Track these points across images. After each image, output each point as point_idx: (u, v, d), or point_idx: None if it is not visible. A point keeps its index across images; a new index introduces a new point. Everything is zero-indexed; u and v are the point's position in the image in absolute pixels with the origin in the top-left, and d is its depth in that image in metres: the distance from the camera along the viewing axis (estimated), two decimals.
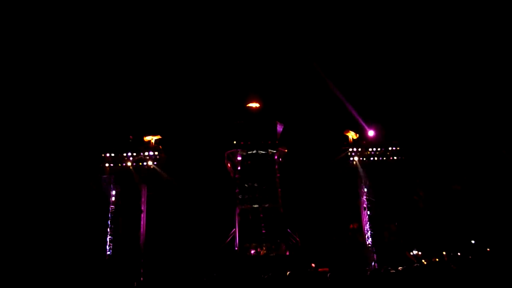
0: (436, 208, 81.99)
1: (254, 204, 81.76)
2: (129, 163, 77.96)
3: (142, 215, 77.87)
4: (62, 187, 75.74)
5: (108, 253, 74.55)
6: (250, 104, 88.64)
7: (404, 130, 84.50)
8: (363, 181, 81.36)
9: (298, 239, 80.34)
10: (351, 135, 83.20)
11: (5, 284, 60.43)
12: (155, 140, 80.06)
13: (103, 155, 77.41)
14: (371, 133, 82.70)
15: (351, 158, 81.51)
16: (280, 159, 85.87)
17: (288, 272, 67.05)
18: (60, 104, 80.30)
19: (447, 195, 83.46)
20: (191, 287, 58.70)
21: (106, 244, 74.65)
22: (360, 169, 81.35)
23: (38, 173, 74.42)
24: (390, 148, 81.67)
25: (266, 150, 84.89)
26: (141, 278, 73.60)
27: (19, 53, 79.83)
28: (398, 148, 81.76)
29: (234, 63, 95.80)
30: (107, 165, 77.66)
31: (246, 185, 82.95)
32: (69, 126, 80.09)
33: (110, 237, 75.26)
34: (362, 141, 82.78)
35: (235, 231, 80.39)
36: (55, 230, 72.07)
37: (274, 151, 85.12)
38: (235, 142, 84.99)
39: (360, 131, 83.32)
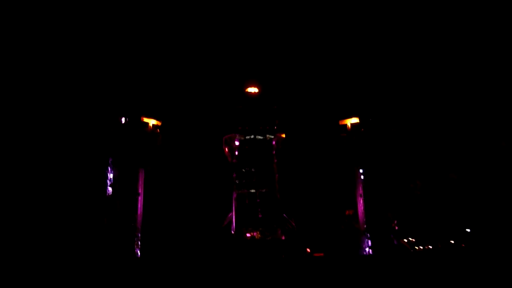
0: (432, 196, 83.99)
1: (251, 189, 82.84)
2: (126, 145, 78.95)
3: (139, 197, 79.08)
4: (59, 171, 77.49)
5: (105, 235, 75.41)
6: (249, 89, 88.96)
7: (402, 119, 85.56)
8: (360, 168, 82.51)
9: (294, 224, 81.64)
10: (349, 122, 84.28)
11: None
12: (153, 124, 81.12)
13: (101, 136, 78.50)
14: (368, 120, 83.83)
15: (349, 145, 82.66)
16: (278, 145, 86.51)
17: (283, 256, 69.20)
18: (58, 89, 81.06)
19: (444, 184, 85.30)
20: (187, 268, 61.68)
21: (103, 227, 75.69)
22: (358, 157, 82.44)
23: (33, 155, 76.16)
24: (388, 136, 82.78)
25: (264, 135, 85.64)
26: (138, 257, 75.92)
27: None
28: (396, 136, 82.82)
29: (233, 48, 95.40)
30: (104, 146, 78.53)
31: (243, 170, 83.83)
32: (61, 108, 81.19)
33: (107, 218, 76.24)
34: (361, 128, 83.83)
35: (232, 215, 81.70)
36: (52, 214, 74.30)
37: (272, 137, 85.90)
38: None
39: (359, 118, 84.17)
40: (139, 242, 77.33)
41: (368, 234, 79.83)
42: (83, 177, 77.95)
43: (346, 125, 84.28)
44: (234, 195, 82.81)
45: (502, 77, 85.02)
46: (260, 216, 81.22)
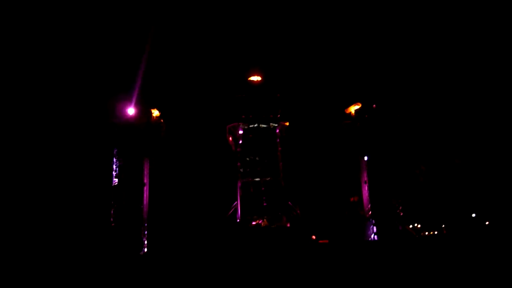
0: (437, 181, 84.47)
1: (256, 178, 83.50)
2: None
3: (145, 188, 79.87)
4: (64, 160, 79.05)
5: (112, 225, 76.80)
6: (252, 78, 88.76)
7: (406, 104, 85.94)
8: (364, 155, 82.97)
9: (299, 211, 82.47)
10: (353, 108, 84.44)
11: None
12: (157, 114, 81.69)
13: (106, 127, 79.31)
14: (373, 107, 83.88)
15: (353, 132, 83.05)
16: (282, 133, 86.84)
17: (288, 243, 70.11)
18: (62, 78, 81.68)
19: (449, 169, 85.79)
20: (194, 257, 62.77)
21: (110, 217, 76.96)
22: (362, 143, 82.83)
23: (38, 144, 77.47)
24: (392, 122, 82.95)
25: (267, 123, 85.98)
26: (145, 250, 77.07)
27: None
28: (400, 122, 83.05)
29: (235, 36, 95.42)
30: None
31: (247, 158, 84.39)
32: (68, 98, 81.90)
33: (113, 209, 77.43)
34: (365, 115, 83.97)
35: (237, 204, 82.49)
36: (56, 205, 75.90)
37: (276, 125, 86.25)
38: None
39: (363, 104, 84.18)
40: (146, 232, 78.21)
41: (373, 221, 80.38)
42: (89, 168, 78.86)
43: (350, 111, 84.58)
44: (239, 184, 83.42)
45: (509, 60, 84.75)
46: (265, 204, 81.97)
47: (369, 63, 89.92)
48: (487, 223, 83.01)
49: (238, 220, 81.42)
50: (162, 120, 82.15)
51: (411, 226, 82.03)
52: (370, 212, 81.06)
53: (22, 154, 74.92)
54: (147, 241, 78.33)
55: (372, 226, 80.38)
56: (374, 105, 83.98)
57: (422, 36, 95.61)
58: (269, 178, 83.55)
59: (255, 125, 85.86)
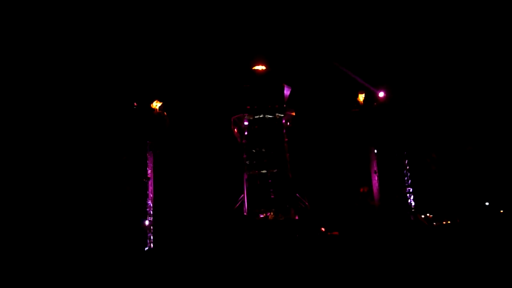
0: (449, 169, 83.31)
1: (262, 170, 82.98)
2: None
3: (149, 182, 78.99)
4: (67, 156, 77.92)
5: (117, 221, 75.30)
6: (257, 67, 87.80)
7: (416, 91, 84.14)
8: (373, 144, 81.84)
9: (307, 203, 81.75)
10: (362, 96, 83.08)
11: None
12: (160, 106, 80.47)
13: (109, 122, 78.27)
14: (381, 94, 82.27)
15: (361, 120, 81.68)
16: (288, 123, 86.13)
17: (297, 236, 69.87)
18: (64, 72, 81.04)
19: (460, 157, 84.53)
20: (200, 252, 62.35)
21: (116, 212, 75.61)
22: (371, 132, 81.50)
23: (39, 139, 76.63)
24: (401, 109, 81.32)
25: (273, 114, 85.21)
26: (151, 245, 76.33)
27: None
28: (410, 109, 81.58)
29: (239, 24, 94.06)
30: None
31: (253, 150, 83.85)
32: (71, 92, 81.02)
33: (119, 204, 76.13)
34: (373, 102, 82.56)
35: (244, 196, 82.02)
36: (62, 199, 74.68)
37: (282, 115, 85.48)
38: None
39: (370, 92, 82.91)
40: (152, 227, 77.41)
41: (384, 211, 79.20)
42: (94, 163, 78.36)
43: (358, 99, 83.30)
44: (245, 177, 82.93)
45: None
46: (272, 196, 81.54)
47: (378, 48, 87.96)
48: (501, 211, 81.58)
49: (245, 214, 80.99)
50: (165, 113, 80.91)
51: (423, 216, 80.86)
52: (381, 202, 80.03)
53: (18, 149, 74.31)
54: (153, 237, 77.33)
55: (382, 217, 79.05)
56: (382, 92, 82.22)
57: (431, 19, 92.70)
58: (276, 170, 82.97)
59: (261, 116, 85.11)
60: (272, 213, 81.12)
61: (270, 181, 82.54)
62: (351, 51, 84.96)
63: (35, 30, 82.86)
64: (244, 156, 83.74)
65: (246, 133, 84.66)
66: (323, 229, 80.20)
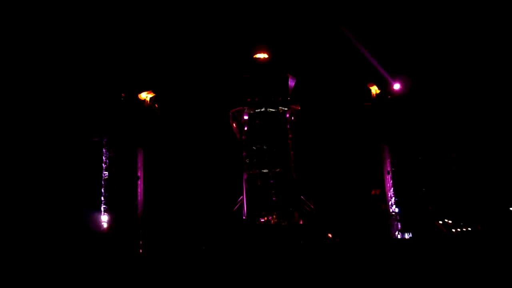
0: (470, 171, 79.10)
1: (264, 169, 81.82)
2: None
3: (139, 181, 75.84)
4: (49, 152, 73.83)
5: (103, 224, 72.80)
6: (258, 55, 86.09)
7: (435, 83, 79.69)
8: (387, 142, 78.90)
9: (312, 206, 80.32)
10: (374, 89, 79.80)
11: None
12: (150, 98, 77.23)
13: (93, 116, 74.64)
14: (396, 86, 79.04)
15: (374, 115, 79.11)
16: (292, 118, 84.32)
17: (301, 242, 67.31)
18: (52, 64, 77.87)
19: (483, 157, 79.97)
20: (195, 259, 57.69)
21: (101, 215, 72.92)
22: (384, 128, 78.82)
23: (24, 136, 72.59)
24: (418, 104, 78.26)
25: (276, 107, 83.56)
26: (140, 251, 72.85)
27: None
28: (428, 104, 78.37)
29: (239, 8, 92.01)
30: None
31: (254, 147, 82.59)
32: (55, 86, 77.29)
33: (104, 206, 73.36)
34: (387, 95, 79.47)
35: (243, 198, 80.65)
36: (43, 200, 70.67)
37: (286, 109, 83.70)
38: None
39: (384, 85, 79.86)
40: (141, 231, 74.16)
41: (398, 216, 76.89)
42: (76, 161, 74.35)
43: (370, 93, 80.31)
44: (245, 176, 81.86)
45: None
46: (274, 198, 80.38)
47: (394, 33, 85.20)
48: None
49: (244, 217, 79.67)
50: (156, 105, 78.03)
51: (441, 222, 77.46)
52: (394, 207, 77.46)
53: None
54: (143, 242, 74.01)
55: (396, 222, 76.88)
56: (398, 84, 79.10)
57: (449, 8, 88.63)
58: (278, 169, 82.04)
59: (262, 110, 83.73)
60: (273, 217, 79.96)
61: (271, 181, 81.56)
62: (364, 35, 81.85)
63: (17, 17, 79.92)
64: (244, 153, 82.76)
65: (246, 128, 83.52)
66: (330, 235, 78.31)
